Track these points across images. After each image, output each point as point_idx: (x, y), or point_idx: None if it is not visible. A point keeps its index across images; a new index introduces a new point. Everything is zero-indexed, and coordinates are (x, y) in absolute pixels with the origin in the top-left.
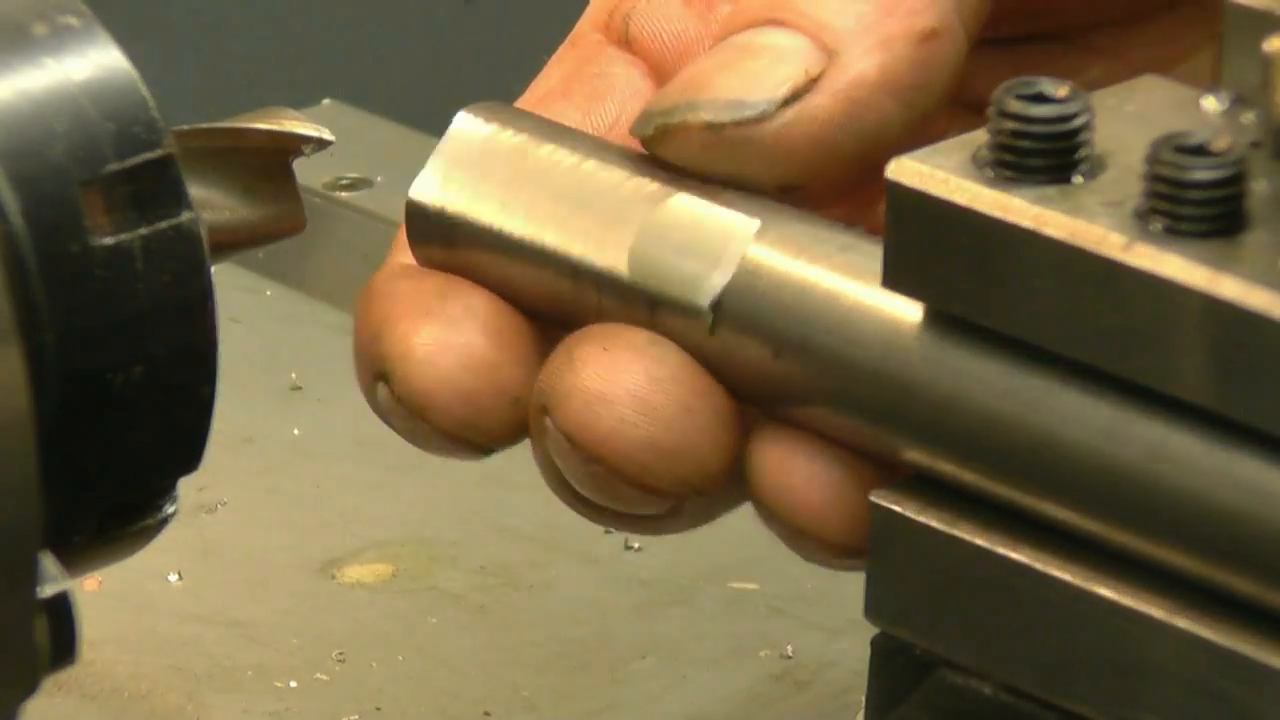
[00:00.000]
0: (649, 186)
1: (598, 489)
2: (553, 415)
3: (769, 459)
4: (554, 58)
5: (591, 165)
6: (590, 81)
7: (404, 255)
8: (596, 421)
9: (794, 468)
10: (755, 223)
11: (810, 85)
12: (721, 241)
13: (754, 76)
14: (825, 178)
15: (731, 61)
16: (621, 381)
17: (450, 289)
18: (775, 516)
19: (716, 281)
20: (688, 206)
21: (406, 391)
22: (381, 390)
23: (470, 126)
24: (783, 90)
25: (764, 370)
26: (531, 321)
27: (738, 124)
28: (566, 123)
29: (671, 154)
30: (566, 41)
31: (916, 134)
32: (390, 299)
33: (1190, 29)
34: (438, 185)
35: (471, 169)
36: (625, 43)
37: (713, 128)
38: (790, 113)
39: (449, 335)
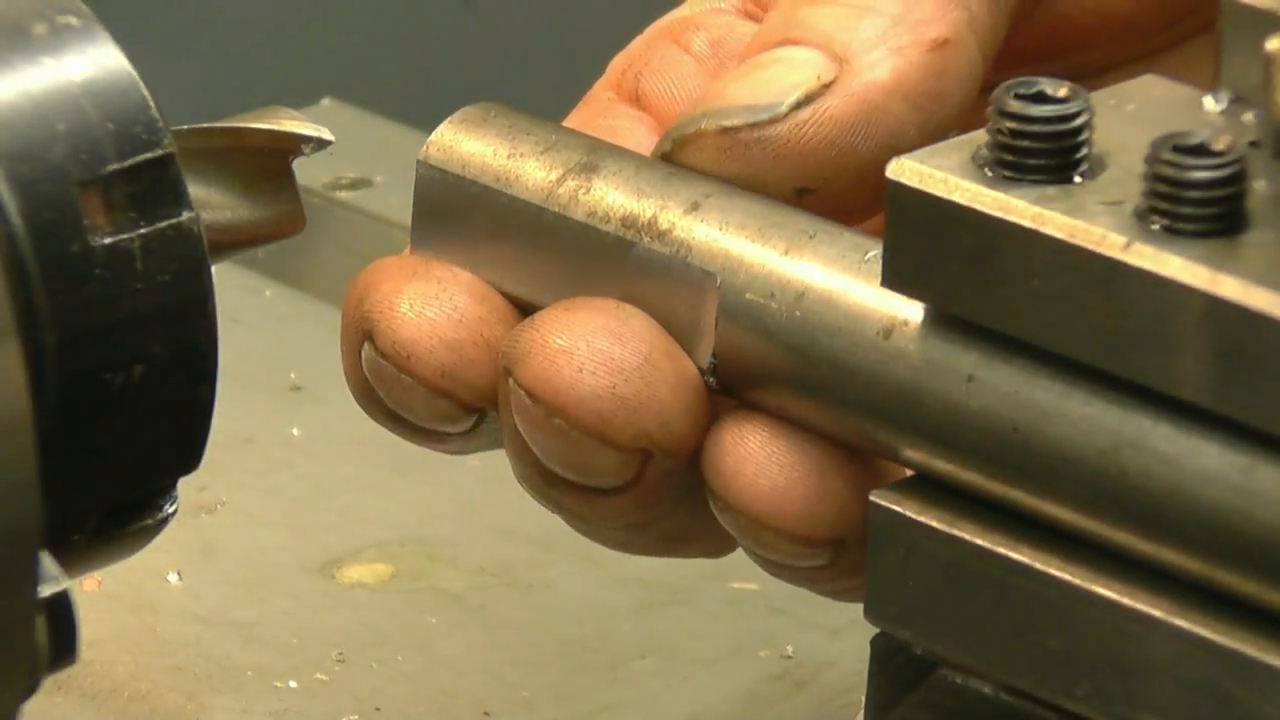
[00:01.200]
0: (607, 238)
1: (559, 448)
2: (514, 373)
3: (725, 436)
4: (568, 118)
5: (551, 216)
6: (598, 133)
7: None
8: (556, 373)
9: (751, 448)
10: (713, 276)
11: (822, 90)
12: (694, 307)
13: (765, 83)
14: (841, 181)
15: (744, 74)
16: (582, 335)
17: (436, 261)
18: (727, 499)
19: (704, 350)
20: (648, 260)
21: (390, 343)
22: (366, 351)
23: (432, 179)
24: (795, 94)
25: (765, 372)
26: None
27: (751, 126)
28: None
29: (687, 162)
30: (581, 102)
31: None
32: (377, 270)
33: (1209, 57)
34: (432, 243)
35: (453, 223)
36: (635, 99)
37: (727, 132)
38: (804, 114)
39: (434, 290)
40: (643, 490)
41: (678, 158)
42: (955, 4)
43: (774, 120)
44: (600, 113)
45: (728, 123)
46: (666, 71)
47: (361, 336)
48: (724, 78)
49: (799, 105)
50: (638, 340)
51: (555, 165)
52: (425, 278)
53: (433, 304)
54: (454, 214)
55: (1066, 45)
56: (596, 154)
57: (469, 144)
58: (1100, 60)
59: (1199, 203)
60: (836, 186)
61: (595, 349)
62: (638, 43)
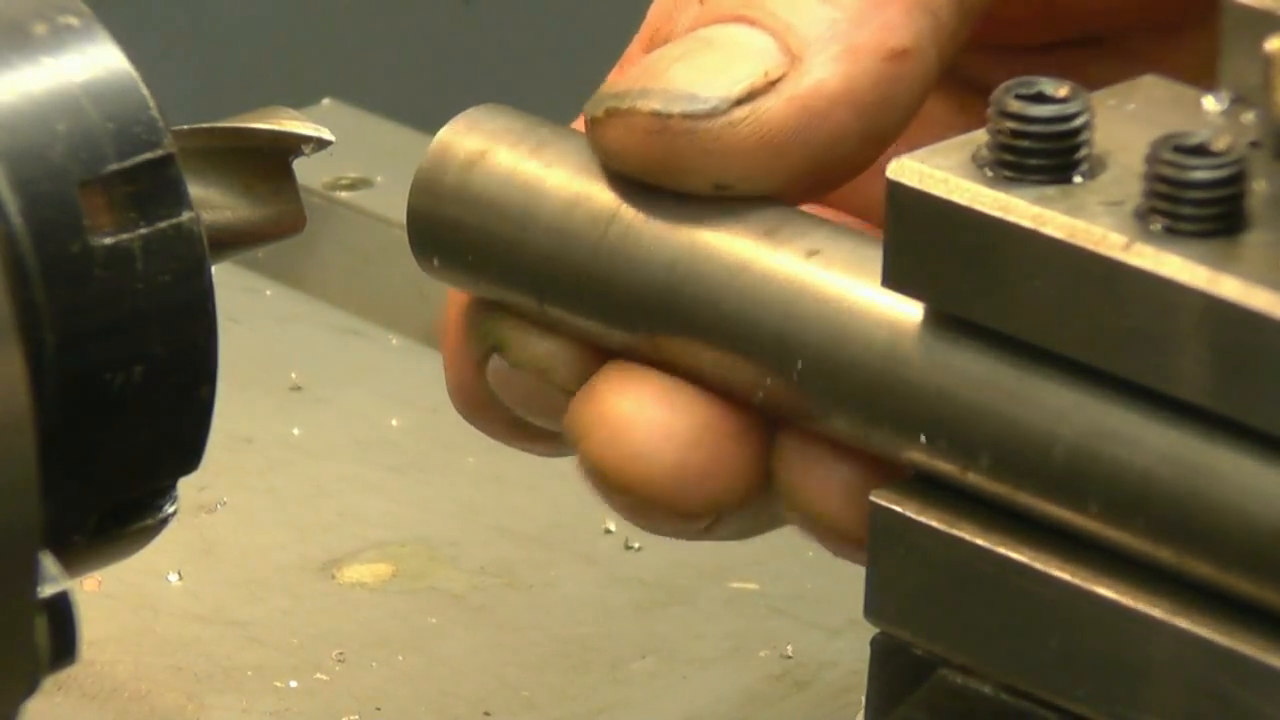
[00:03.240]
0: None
1: (634, 516)
2: (580, 447)
3: (794, 471)
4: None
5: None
6: None
7: None
8: (618, 453)
9: (817, 475)
10: None
11: (768, 87)
12: None
13: (711, 70)
14: (764, 183)
15: (691, 52)
16: (643, 412)
17: None
18: (807, 524)
19: None
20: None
21: (527, 356)
22: (495, 363)
23: (423, 206)
24: (738, 88)
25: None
26: None
27: (685, 116)
28: None
29: (613, 139)
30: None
31: (876, 154)
32: None
33: None
34: (433, 267)
35: (450, 252)
36: None
37: (659, 116)
38: (741, 112)
39: None
40: (719, 526)
41: (604, 127)
42: (922, 10)
43: (711, 115)
44: None
45: (663, 108)
46: None
47: (486, 351)
48: (671, 50)
49: (740, 102)
50: (690, 409)
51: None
52: None
53: None
54: (453, 240)
55: (1081, 13)
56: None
57: (461, 171)
58: (1122, 24)
59: (1199, 203)
60: (758, 188)
61: (655, 424)
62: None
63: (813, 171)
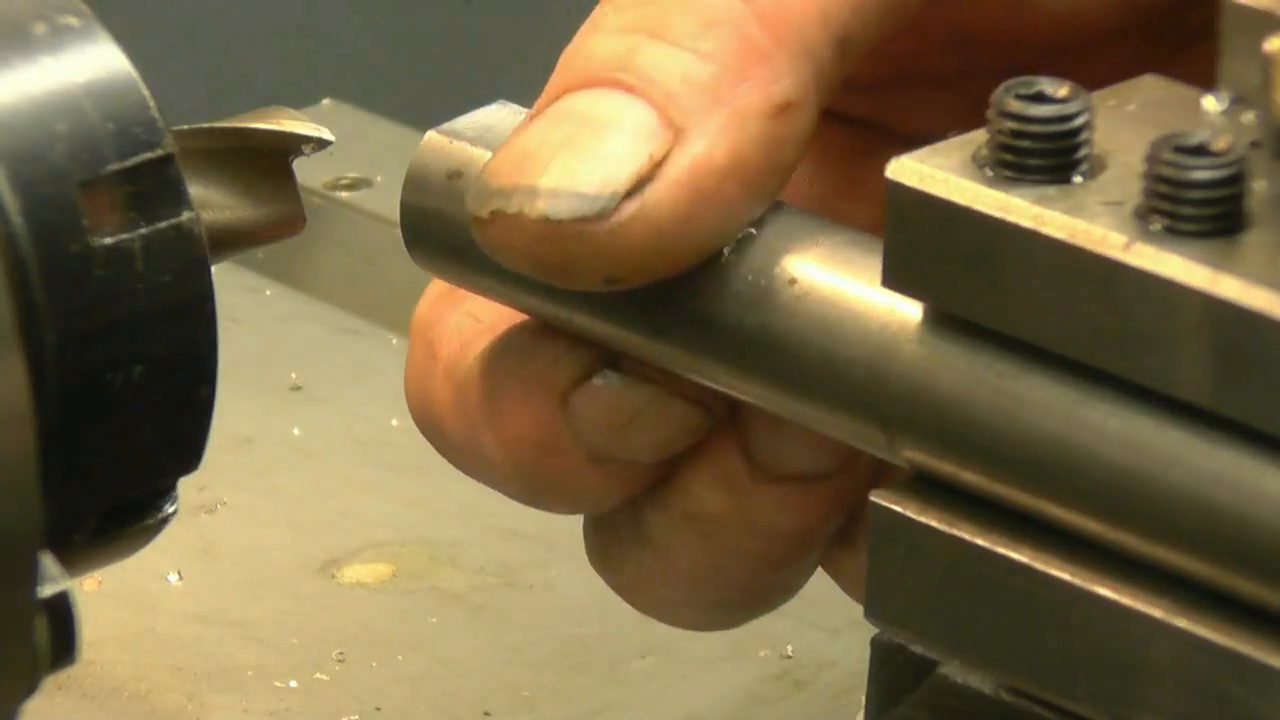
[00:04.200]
0: None
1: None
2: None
3: None
4: None
5: None
6: None
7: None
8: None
9: None
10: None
11: (654, 171)
12: None
13: (594, 160)
14: (653, 274)
15: (572, 139)
16: None
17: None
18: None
19: None
20: None
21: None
22: (600, 382)
23: (416, 200)
24: (624, 179)
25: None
26: None
27: (575, 220)
28: None
29: (500, 241)
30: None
31: (758, 214)
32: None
33: (1150, 53)
34: (427, 263)
35: (445, 247)
36: None
37: (549, 223)
38: (630, 207)
39: None
40: (849, 480)
41: (491, 228)
42: (804, 54)
43: (600, 216)
44: None
45: (550, 212)
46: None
47: (578, 378)
48: (549, 134)
49: (629, 194)
50: None
51: None
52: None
53: None
54: (441, 238)
55: (990, 41)
56: None
57: (445, 171)
58: (1034, 47)
59: (1199, 203)
60: (650, 278)
61: None
62: None
63: (701, 252)
